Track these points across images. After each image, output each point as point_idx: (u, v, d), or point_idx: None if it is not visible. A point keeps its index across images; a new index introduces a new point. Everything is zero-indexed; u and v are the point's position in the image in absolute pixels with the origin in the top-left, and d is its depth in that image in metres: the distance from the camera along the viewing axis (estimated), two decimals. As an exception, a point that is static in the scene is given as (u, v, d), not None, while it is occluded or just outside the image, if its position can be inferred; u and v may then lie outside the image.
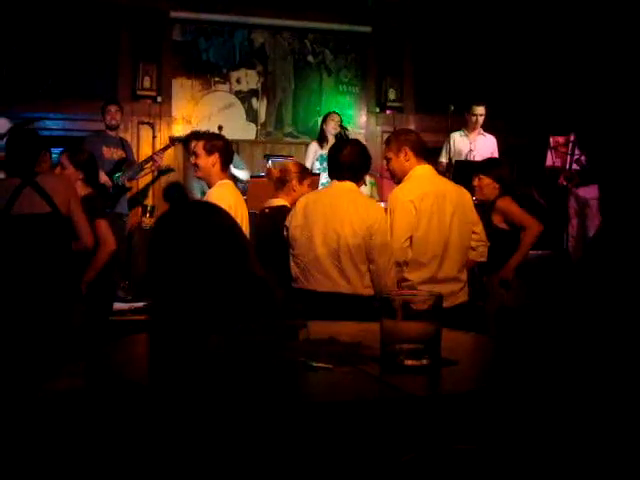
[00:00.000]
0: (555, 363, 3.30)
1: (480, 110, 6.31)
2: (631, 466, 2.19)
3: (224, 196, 3.69)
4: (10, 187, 3.57)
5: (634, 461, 2.22)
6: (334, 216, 3.32)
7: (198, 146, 3.92)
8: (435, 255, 3.41)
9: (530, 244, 4.30)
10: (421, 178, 3.51)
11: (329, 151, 3.63)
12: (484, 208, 4.37)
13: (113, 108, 6.16)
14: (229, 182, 4.00)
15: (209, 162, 3.87)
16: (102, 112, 6.16)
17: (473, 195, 4.15)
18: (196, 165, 3.93)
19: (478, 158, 6.05)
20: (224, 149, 3.93)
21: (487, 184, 4.41)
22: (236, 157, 6.45)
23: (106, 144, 6.04)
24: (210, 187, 3.97)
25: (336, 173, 3.49)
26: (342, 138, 6.11)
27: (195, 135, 4.14)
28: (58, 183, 3.72)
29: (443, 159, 6.24)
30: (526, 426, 1.70)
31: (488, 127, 6.52)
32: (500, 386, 1.48)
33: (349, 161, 3.45)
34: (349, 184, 3.44)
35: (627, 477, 2.15)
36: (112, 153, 6.06)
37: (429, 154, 3.63)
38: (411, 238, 3.40)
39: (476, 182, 4.45)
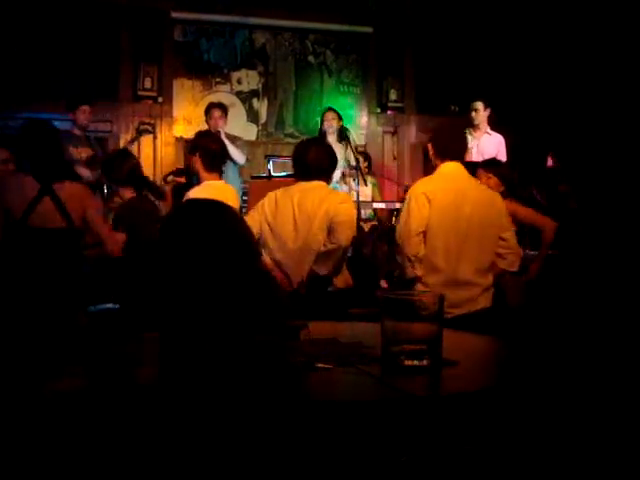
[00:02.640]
0: (556, 363, 3.30)
1: (477, 105, 6.26)
2: (632, 465, 2.18)
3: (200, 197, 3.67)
4: (28, 192, 3.47)
5: (635, 460, 2.21)
6: (302, 211, 3.44)
7: (186, 147, 4.00)
8: (449, 254, 3.30)
9: (550, 242, 4.30)
10: (443, 175, 3.46)
11: (294, 153, 3.68)
12: None
13: (87, 109, 6.05)
14: (214, 183, 3.95)
15: (192, 162, 3.93)
16: (73, 112, 6.06)
17: None
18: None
19: (479, 157, 6.02)
20: (204, 149, 3.91)
21: (495, 184, 4.42)
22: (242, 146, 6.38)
23: (74, 144, 5.97)
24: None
25: (303, 175, 3.56)
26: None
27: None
28: (74, 194, 3.63)
29: None
30: (527, 426, 1.70)
31: (496, 126, 6.46)
32: (501, 386, 1.48)
33: (316, 162, 3.53)
34: (316, 182, 3.53)
35: (628, 477, 2.15)
36: (80, 153, 5.98)
37: (455, 153, 3.50)
38: (425, 234, 3.33)
39: (484, 180, 4.45)
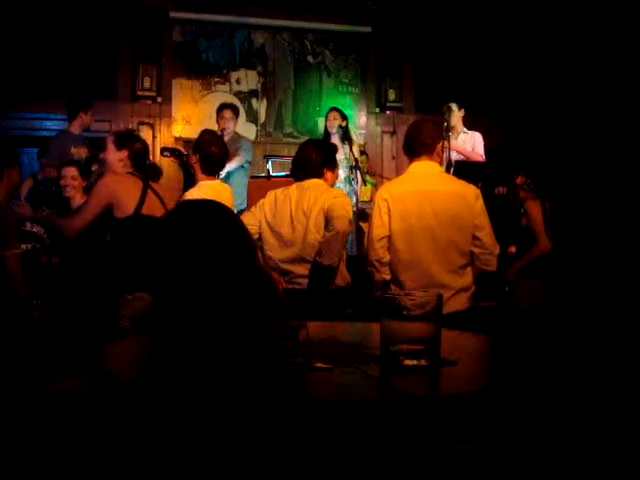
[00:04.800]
0: (556, 363, 3.30)
1: (452, 107, 6.22)
2: (631, 466, 2.19)
3: (193, 197, 3.71)
4: (137, 189, 3.73)
5: (634, 461, 2.22)
6: (299, 209, 3.52)
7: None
8: (418, 256, 3.27)
9: (532, 258, 4.28)
10: (412, 175, 3.42)
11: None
12: (514, 206, 4.40)
13: (87, 117, 6.08)
14: (209, 183, 3.98)
15: (192, 161, 4.00)
16: (74, 115, 6.03)
17: (512, 193, 4.18)
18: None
19: (455, 157, 6.00)
20: (203, 151, 3.95)
21: (522, 181, 4.45)
22: (247, 144, 6.35)
23: (74, 144, 6.00)
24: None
25: (295, 173, 3.67)
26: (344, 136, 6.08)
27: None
28: (165, 190, 3.96)
29: None
30: (526, 427, 1.70)
31: (485, 127, 6.46)
32: (500, 387, 1.48)
33: (305, 159, 3.64)
34: (313, 181, 3.60)
35: (627, 477, 2.15)
36: (80, 152, 6.01)
37: (421, 149, 3.40)
38: (390, 239, 3.33)
39: (519, 180, 4.49)
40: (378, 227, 3.33)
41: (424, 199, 3.31)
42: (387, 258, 3.34)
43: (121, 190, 3.68)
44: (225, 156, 4.21)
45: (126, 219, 3.63)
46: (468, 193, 3.37)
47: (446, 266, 3.28)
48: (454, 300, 3.27)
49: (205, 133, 4.21)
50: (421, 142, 3.40)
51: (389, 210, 3.31)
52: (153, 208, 3.68)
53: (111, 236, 3.75)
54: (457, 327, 2.88)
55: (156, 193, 3.74)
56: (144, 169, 3.81)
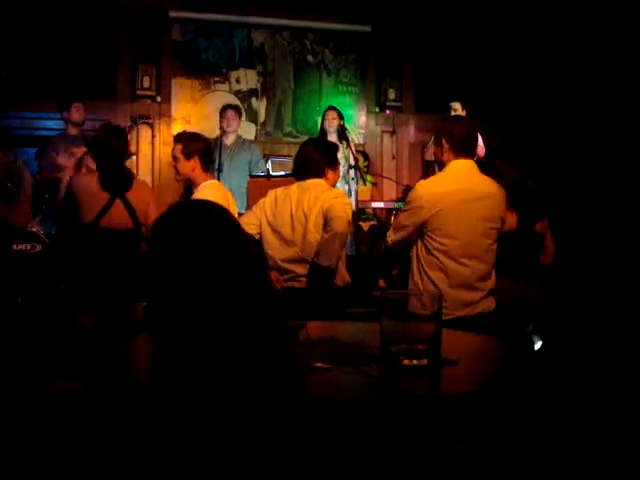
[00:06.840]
0: (555, 363, 3.29)
1: (455, 106, 6.23)
2: (631, 466, 2.19)
3: (207, 198, 3.68)
4: (102, 196, 3.69)
5: (634, 461, 2.22)
6: (299, 209, 3.52)
7: (176, 150, 3.86)
8: (457, 255, 3.15)
9: None
10: (454, 173, 3.26)
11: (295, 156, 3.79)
12: None
13: (80, 105, 6.09)
14: (213, 182, 3.97)
15: (188, 166, 3.84)
16: (67, 110, 6.08)
17: None
18: (175, 169, 3.90)
19: None
20: (203, 151, 3.88)
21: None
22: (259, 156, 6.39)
23: (68, 144, 6.00)
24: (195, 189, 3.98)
25: (297, 172, 3.67)
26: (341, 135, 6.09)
27: (176, 137, 4.10)
28: (140, 192, 3.89)
29: (427, 158, 6.20)
30: (526, 427, 1.70)
31: (483, 128, 6.45)
32: (500, 386, 1.48)
33: (306, 159, 3.63)
34: (314, 181, 3.59)
35: (627, 477, 2.15)
36: (75, 152, 5.99)
37: (469, 149, 3.29)
38: (429, 239, 3.21)
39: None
40: (405, 223, 3.25)
41: (470, 198, 3.19)
42: (397, 249, 3.43)
43: (83, 193, 3.64)
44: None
45: (84, 226, 3.60)
46: (501, 195, 3.31)
47: (482, 269, 3.21)
48: (483, 302, 3.21)
49: (190, 136, 4.05)
50: (473, 142, 3.36)
51: (429, 212, 3.16)
52: (116, 219, 3.61)
53: (73, 239, 3.73)
54: (481, 329, 2.86)
55: (127, 203, 3.68)
56: (110, 176, 3.70)
